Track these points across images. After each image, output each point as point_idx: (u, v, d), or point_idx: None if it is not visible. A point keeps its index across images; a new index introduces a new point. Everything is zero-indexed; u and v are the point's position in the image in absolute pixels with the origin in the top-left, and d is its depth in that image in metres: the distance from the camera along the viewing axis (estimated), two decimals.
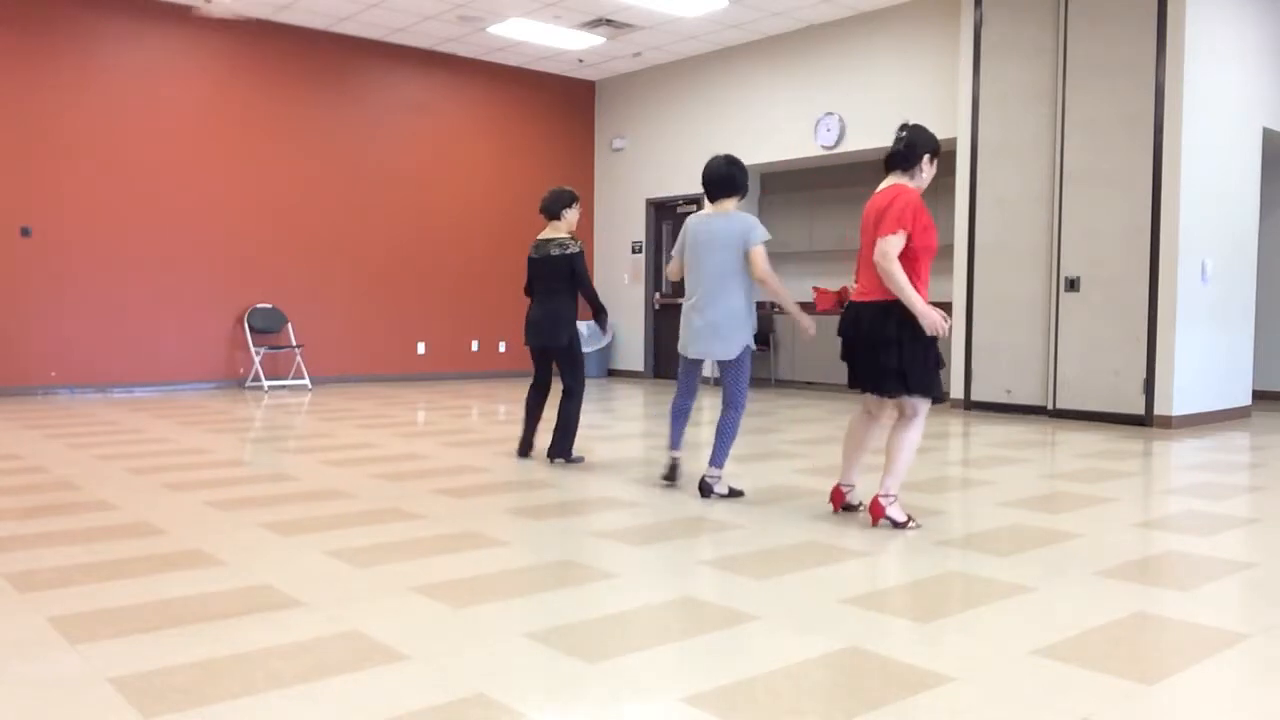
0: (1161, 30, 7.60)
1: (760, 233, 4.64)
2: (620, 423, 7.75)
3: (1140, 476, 5.52)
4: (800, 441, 6.74)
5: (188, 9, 9.91)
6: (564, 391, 5.70)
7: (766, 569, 3.46)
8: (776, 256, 11.94)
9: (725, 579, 3.33)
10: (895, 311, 3.98)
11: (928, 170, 4.11)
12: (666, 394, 10.35)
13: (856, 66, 10.13)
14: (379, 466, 5.56)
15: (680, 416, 4.96)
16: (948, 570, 3.48)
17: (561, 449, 5.66)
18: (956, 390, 8.69)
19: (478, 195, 12.11)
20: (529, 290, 5.86)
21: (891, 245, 3.91)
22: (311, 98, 10.80)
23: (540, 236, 5.85)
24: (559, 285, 5.68)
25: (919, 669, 2.51)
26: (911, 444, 4.07)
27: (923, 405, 4.09)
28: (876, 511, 4.08)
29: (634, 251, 12.58)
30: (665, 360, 12.36)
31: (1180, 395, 7.69)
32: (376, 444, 6.45)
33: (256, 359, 10.39)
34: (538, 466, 5.61)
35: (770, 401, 9.60)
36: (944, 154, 8.95)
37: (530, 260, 5.82)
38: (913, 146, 4.05)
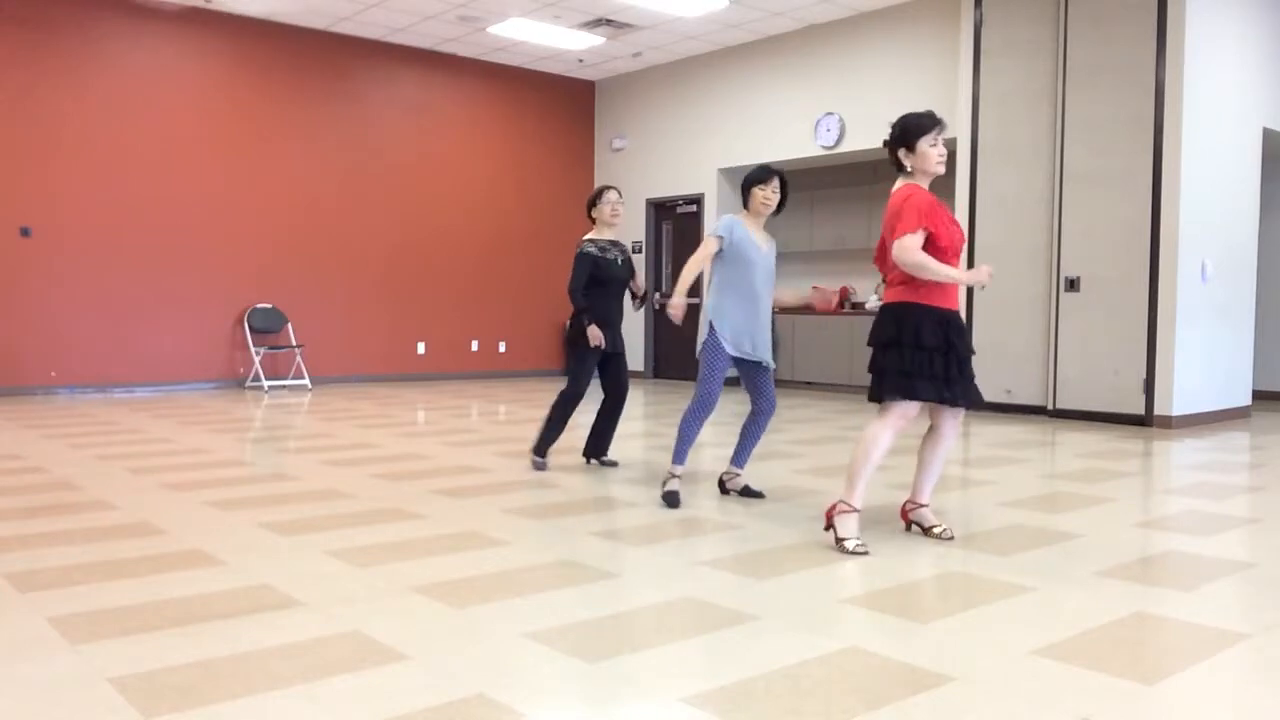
0: (1161, 30, 7.60)
1: (712, 227, 4.85)
2: (620, 423, 7.74)
3: (1140, 476, 5.52)
4: (800, 441, 6.74)
5: (195, 8, 9.90)
6: (621, 397, 5.57)
7: (766, 569, 3.46)
8: (777, 257, 11.92)
9: (725, 579, 3.33)
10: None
11: (916, 158, 3.84)
12: (667, 394, 10.34)
13: (856, 66, 10.12)
14: (379, 466, 5.56)
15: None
16: (948, 570, 3.48)
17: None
18: None
19: (478, 195, 12.11)
20: (587, 292, 5.39)
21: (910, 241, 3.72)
22: (311, 98, 10.80)
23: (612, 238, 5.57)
24: None
25: (919, 669, 2.50)
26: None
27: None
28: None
29: (634, 251, 12.58)
30: (665, 361, 12.35)
31: (1180, 395, 7.69)
32: (376, 444, 6.45)
33: (256, 359, 10.39)
34: (546, 468, 5.61)
35: None
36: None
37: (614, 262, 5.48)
38: (893, 142, 3.89)
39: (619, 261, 5.45)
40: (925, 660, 2.57)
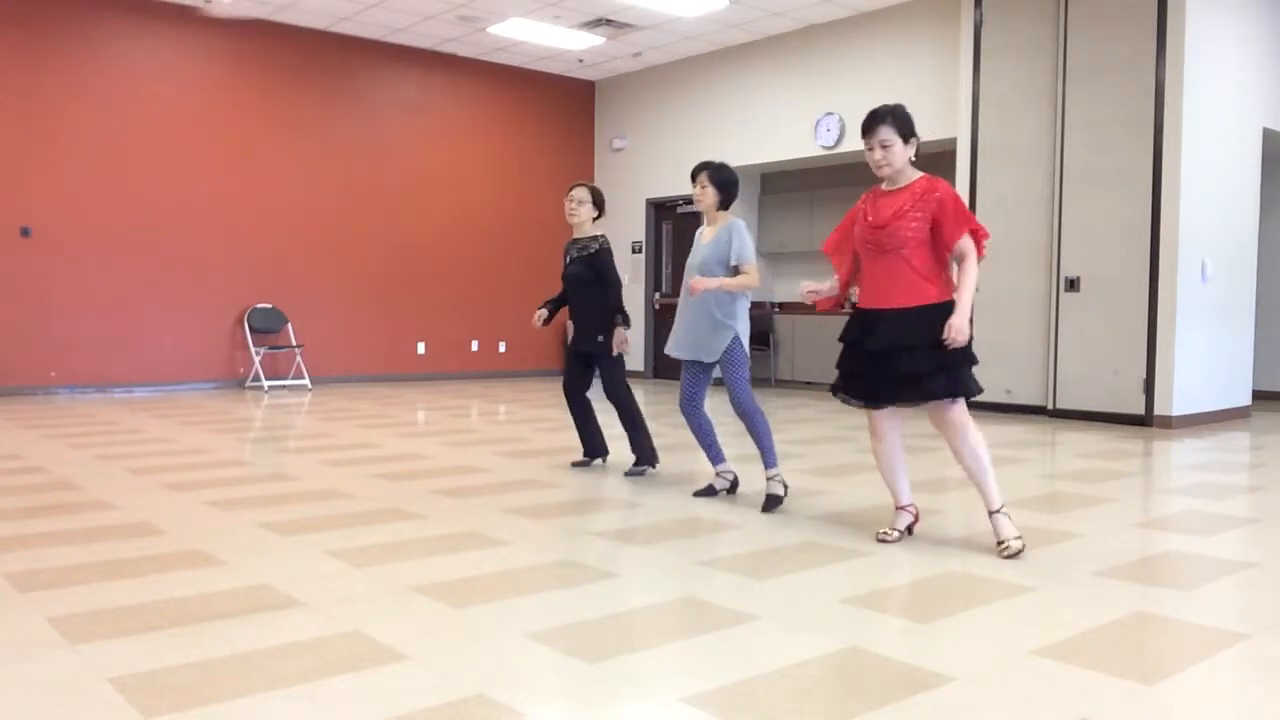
0: (1161, 30, 7.60)
1: None
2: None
3: (1140, 476, 5.52)
4: (800, 441, 6.74)
5: (193, 9, 9.91)
6: (608, 397, 5.55)
7: (766, 569, 3.46)
8: (777, 257, 11.95)
9: (725, 579, 3.33)
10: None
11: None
12: (666, 394, 10.34)
13: (856, 66, 10.12)
14: (379, 466, 5.56)
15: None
16: (948, 570, 3.48)
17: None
18: None
19: (478, 195, 12.11)
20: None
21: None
22: (311, 98, 10.80)
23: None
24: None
25: (919, 669, 2.50)
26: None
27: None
28: None
29: (634, 251, 12.58)
30: (665, 361, 12.35)
31: (1180, 395, 7.68)
32: (376, 444, 6.44)
33: (256, 359, 10.39)
34: (546, 468, 5.61)
35: (769, 401, 9.59)
36: (944, 154, 9.01)
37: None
38: None
39: (567, 260, 5.53)
40: (925, 660, 2.57)
